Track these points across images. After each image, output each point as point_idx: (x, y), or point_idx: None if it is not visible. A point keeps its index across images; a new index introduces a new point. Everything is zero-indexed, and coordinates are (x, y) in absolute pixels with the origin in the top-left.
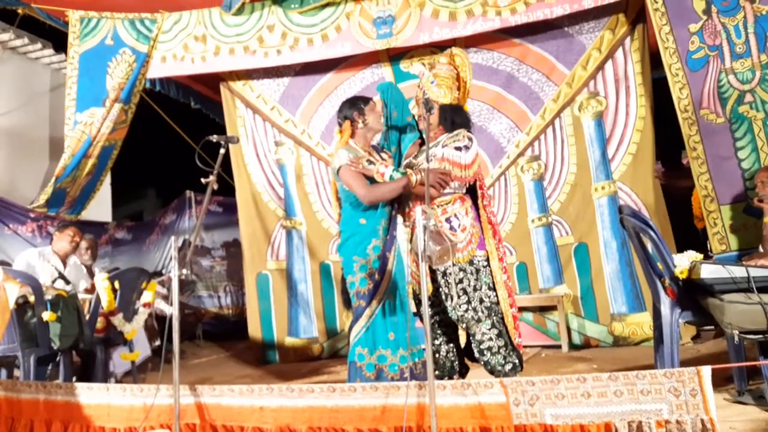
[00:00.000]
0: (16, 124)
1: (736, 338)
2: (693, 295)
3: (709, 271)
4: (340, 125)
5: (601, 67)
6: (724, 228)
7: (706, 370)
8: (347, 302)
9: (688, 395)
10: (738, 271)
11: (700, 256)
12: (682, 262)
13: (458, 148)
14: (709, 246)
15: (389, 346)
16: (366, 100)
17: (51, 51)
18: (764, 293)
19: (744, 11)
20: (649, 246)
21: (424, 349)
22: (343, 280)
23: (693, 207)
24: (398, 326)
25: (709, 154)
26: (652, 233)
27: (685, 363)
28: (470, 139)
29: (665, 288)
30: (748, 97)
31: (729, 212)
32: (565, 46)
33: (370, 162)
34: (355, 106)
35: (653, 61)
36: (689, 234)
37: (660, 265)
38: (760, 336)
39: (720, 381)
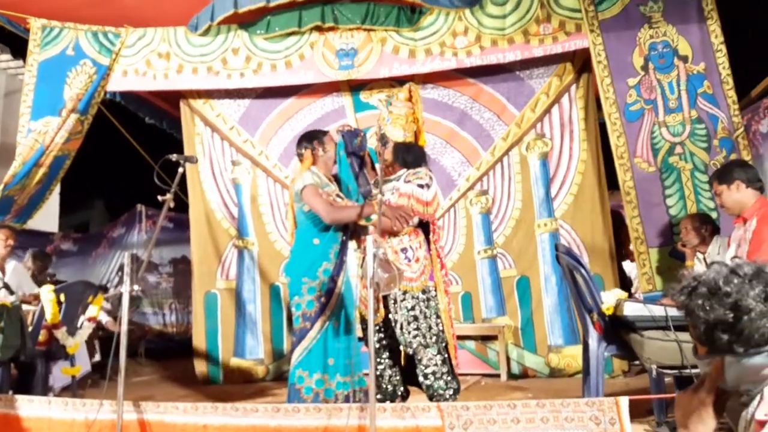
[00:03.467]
0: None
1: (654, 372)
2: (618, 331)
3: (631, 309)
4: (300, 156)
5: (548, 110)
6: (652, 269)
7: (624, 401)
8: (289, 324)
9: (608, 423)
10: (657, 310)
11: (626, 294)
12: (609, 299)
13: (421, 186)
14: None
15: (327, 371)
16: (324, 132)
17: (8, 56)
18: (681, 331)
19: (678, 70)
20: (581, 282)
21: (365, 376)
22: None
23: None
24: (339, 352)
25: (641, 199)
26: (582, 271)
27: (613, 395)
28: (431, 178)
29: (593, 322)
30: (678, 149)
31: (656, 254)
32: (516, 88)
33: (339, 197)
34: (315, 137)
35: (599, 107)
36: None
37: (589, 301)
38: (676, 371)
39: (642, 412)
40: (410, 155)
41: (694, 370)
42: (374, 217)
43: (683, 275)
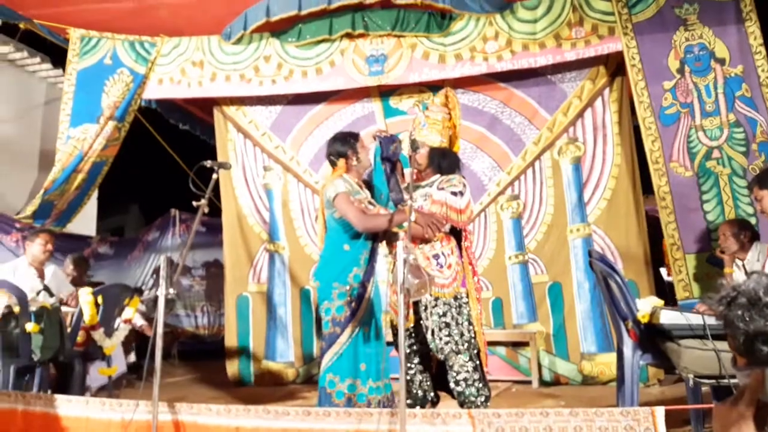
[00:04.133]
0: (9, 135)
1: (691, 382)
2: (653, 339)
3: (668, 317)
4: (333, 162)
5: (580, 114)
6: (688, 276)
7: (660, 411)
8: (318, 328)
9: None
10: (694, 319)
11: (662, 302)
12: (644, 307)
13: (454, 193)
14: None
15: (359, 376)
16: (356, 137)
17: (49, 65)
18: (718, 340)
19: (714, 72)
20: (615, 289)
21: (392, 381)
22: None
23: (665, 255)
24: (371, 357)
25: (677, 204)
26: (617, 277)
27: (648, 404)
28: (465, 185)
29: (628, 330)
30: (716, 153)
31: (693, 261)
32: (547, 92)
33: (371, 204)
34: (347, 143)
35: (633, 111)
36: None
37: (624, 308)
38: (713, 381)
39: (678, 423)
40: (446, 161)
41: (732, 380)
42: (407, 224)
43: (722, 284)
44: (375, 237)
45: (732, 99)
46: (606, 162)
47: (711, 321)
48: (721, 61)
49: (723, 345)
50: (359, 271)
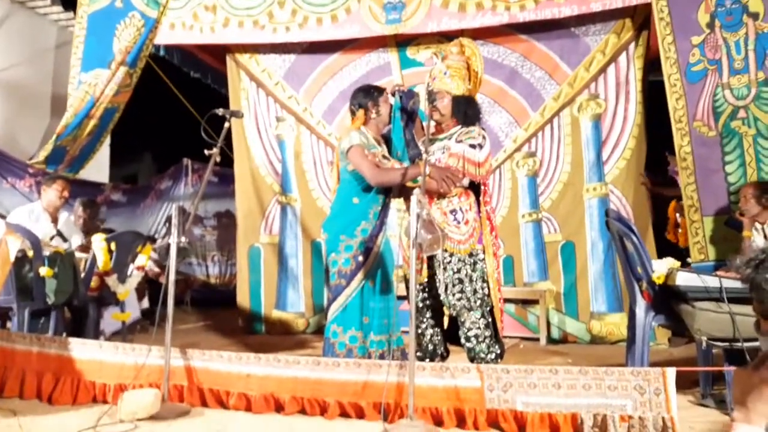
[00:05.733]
0: (20, 79)
1: (704, 344)
2: (667, 300)
3: (684, 279)
4: (353, 112)
5: (603, 70)
6: (705, 238)
7: (671, 372)
8: (328, 279)
9: (652, 394)
10: (711, 281)
11: (678, 263)
12: (660, 267)
13: (473, 146)
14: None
15: (362, 329)
16: (381, 91)
17: (59, 8)
18: (734, 303)
19: (746, 28)
20: (631, 250)
21: (403, 335)
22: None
23: (668, 220)
24: (374, 311)
25: (698, 165)
26: (634, 238)
27: (656, 364)
28: (484, 137)
29: (642, 291)
30: (742, 113)
31: (711, 223)
32: (570, 46)
33: (386, 157)
34: (370, 95)
35: (651, 67)
36: (667, 242)
37: (639, 269)
38: (727, 344)
39: (687, 384)
40: (471, 109)
41: (746, 344)
42: (421, 178)
43: (748, 247)
44: (387, 192)
45: (763, 56)
46: (627, 120)
47: (728, 284)
48: (754, 16)
49: (738, 308)
50: (367, 225)
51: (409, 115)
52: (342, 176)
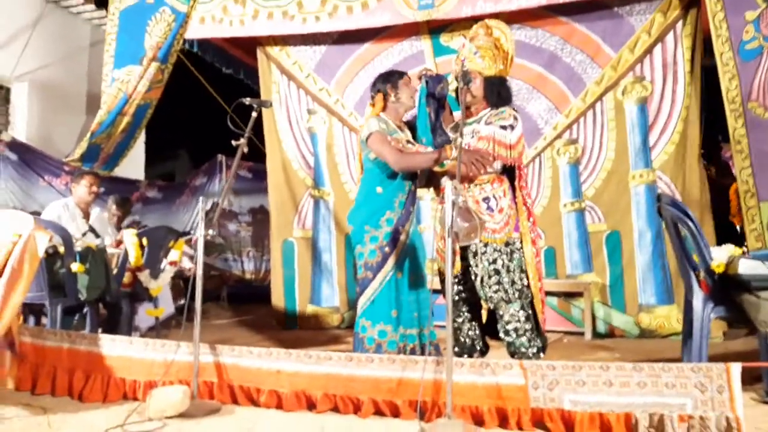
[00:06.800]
0: (55, 78)
1: None
2: (727, 291)
3: (747, 267)
4: (373, 98)
5: (649, 50)
6: (762, 224)
7: (736, 368)
8: (355, 272)
9: (715, 392)
10: None
11: (740, 250)
12: (720, 255)
13: (503, 127)
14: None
15: (391, 322)
16: (401, 74)
17: (92, 6)
18: None
19: None
20: (687, 237)
21: (438, 329)
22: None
23: (731, 203)
24: (404, 304)
25: (754, 148)
26: (690, 224)
27: (713, 359)
28: (516, 118)
29: (699, 281)
30: None
31: None
32: (612, 27)
33: (409, 142)
34: (389, 80)
35: (704, 49)
36: (725, 230)
37: (696, 258)
38: None
39: (748, 380)
40: (505, 89)
41: None
42: (447, 163)
43: None
44: (412, 179)
45: None
46: (675, 102)
47: None
48: None
49: None
50: (392, 214)
51: (438, 101)
52: (365, 166)
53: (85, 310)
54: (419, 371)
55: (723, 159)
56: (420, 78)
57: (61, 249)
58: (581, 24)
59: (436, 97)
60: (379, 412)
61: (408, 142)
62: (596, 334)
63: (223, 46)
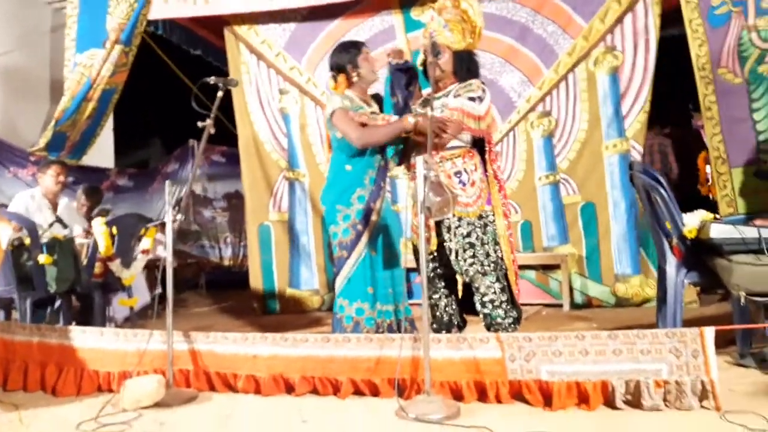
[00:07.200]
0: (16, 64)
1: (743, 300)
2: (700, 256)
3: (719, 231)
4: (334, 77)
5: (620, 20)
6: (734, 190)
7: (710, 331)
8: (331, 253)
9: (690, 356)
10: (749, 232)
11: (711, 215)
12: (692, 221)
13: (472, 99)
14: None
15: (367, 300)
16: (357, 45)
17: None
18: None
19: None
20: (659, 204)
21: (415, 306)
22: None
23: (699, 171)
24: (378, 281)
25: (724, 114)
26: (662, 191)
27: (687, 324)
28: (484, 90)
29: (672, 247)
30: None
31: (740, 175)
32: None
33: (374, 113)
34: (347, 54)
35: (671, 17)
36: (693, 197)
37: (668, 224)
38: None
39: (722, 343)
40: (473, 63)
41: None
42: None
43: None
44: (382, 154)
45: None
46: (647, 71)
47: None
48: None
49: None
50: (363, 191)
51: (407, 90)
52: (333, 144)
53: (58, 303)
54: (396, 349)
55: (694, 128)
56: (388, 62)
57: (27, 241)
58: None
59: (400, 88)
60: (358, 392)
61: (373, 113)
62: (574, 305)
63: (190, 27)
